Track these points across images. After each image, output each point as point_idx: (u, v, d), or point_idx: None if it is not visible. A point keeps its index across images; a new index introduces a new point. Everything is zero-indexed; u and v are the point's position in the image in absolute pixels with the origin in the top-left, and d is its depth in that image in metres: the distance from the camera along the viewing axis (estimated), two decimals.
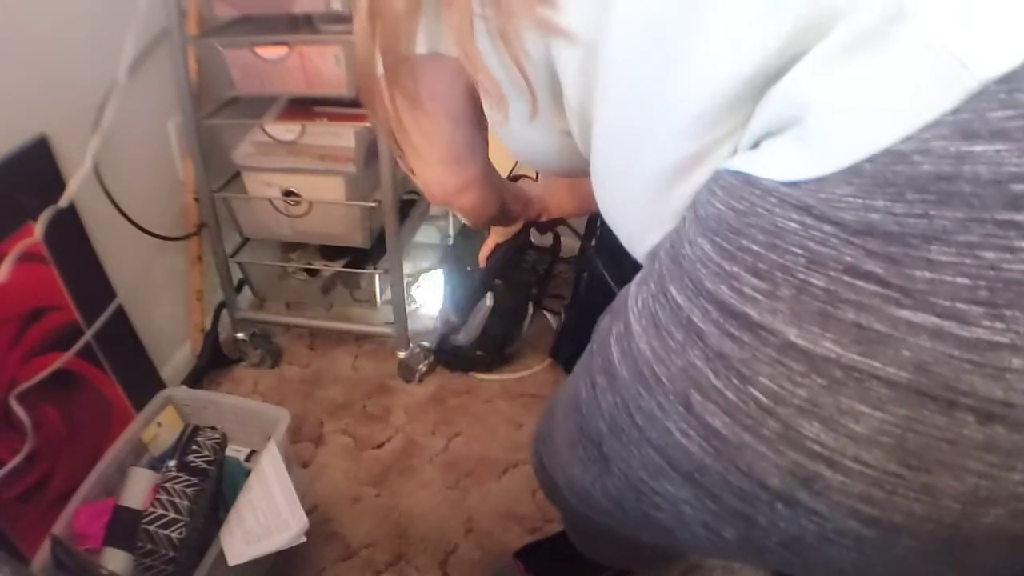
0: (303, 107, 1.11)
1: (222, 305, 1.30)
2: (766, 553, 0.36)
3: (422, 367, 1.29)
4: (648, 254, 0.42)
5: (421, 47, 0.41)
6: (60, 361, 0.90)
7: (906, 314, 0.26)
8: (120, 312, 1.04)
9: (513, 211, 0.79)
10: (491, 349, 1.27)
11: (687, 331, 0.33)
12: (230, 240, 1.23)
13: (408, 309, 1.25)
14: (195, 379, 1.24)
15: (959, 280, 0.25)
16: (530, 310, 1.24)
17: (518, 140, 0.49)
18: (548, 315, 1.43)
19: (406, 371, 1.28)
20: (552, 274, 1.26)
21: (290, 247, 1.35)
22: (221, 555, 0.77)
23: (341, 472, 1.12)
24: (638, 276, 0.42)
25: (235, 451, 0.98)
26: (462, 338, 1.24)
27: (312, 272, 1.30)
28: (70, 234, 0.93)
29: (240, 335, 1.30)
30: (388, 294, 1.24)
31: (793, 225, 0.29)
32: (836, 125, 0.28)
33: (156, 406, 0.96)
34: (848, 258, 0.27)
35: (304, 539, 0.77)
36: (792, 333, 0.29)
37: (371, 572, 0.96)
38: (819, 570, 0.36)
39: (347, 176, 1.09)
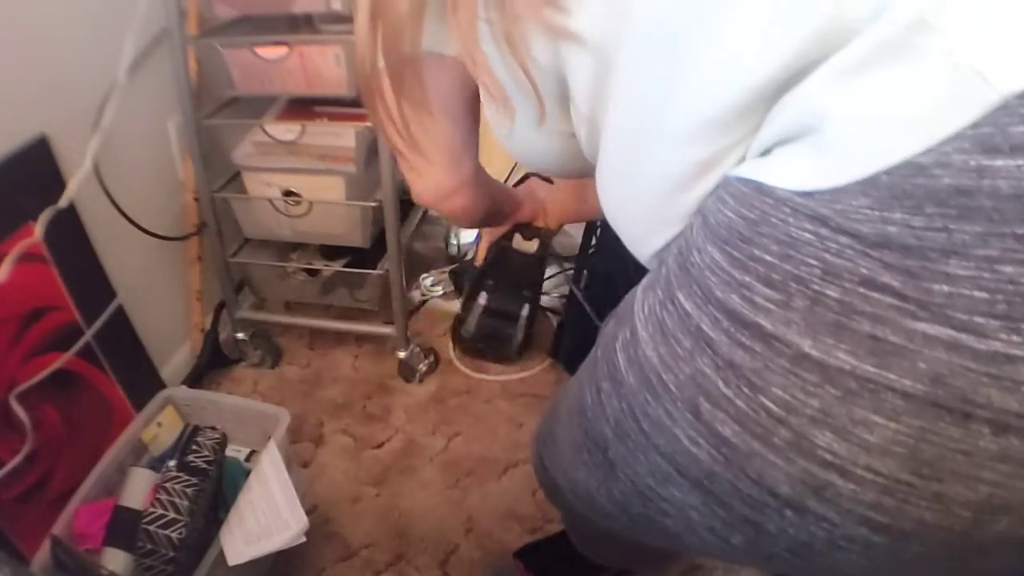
0: (303, 107, 1.11)
1: (222, 305, 1.30)
2: (774, 559, 0.36)
3: (422, 367, 1.29)
4: (653, 258, 0.42)
5: (422, 46, 0.41)
6: (60, 361, 0.90)
7: (922, 327, 0.26)
8: (120, 312, 1.04)
9: (503, 212, 0.78)
10: (491, 346, 1.28)
11: (696, 339, 0.33)
12: (230, 240, 1.23)
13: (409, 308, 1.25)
14: (195, 379, 1.24)
15: (977, 294, 0.25)
16: (523, 312, 1.24)
17: (519, 142, 0.49)
18: (550, 315, 1.43)
19: (406, 371, 1.28)
20: (542, 277, 1.25)
21: (290, 247, 1.35)
22: (221, 555, 0.77)
23: (341, 472, 1.12)
24: (644, 281, 0.42)
25: (235, 451, 0.98)
26: (465, 331, 1.27)
27: (312, 272, 1.29)
28: (70, 234, 0.93)
29: (240, 335, 1.30)
30: (388, 294, 1.24)
31: (808, 236, 0.29)
32: (854, 135, 0.28)
33: (156, 406, 0.96)
34: (864, 270, 0.27)
35: (304, 539, 0.77)
36: (806, 344, 0.29)
37: (371, 572, 0.96)
38: (825, 574, 0.36)
39: (347, 176, 1.09)
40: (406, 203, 1.30)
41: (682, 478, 0.36)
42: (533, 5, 0.35)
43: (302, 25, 1.01)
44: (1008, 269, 0.24)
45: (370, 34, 0.40)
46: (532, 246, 1.09)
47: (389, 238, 1.13)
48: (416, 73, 0.42)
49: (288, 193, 1.13)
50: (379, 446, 1.17)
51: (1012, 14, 0.24)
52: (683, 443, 0.35)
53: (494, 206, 0.68)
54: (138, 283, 1.09)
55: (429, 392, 1.27)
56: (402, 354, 1.26)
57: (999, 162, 0.24)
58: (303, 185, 1.12)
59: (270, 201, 1.15)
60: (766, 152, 0.32)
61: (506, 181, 1.40)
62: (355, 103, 1.05)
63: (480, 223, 0.70)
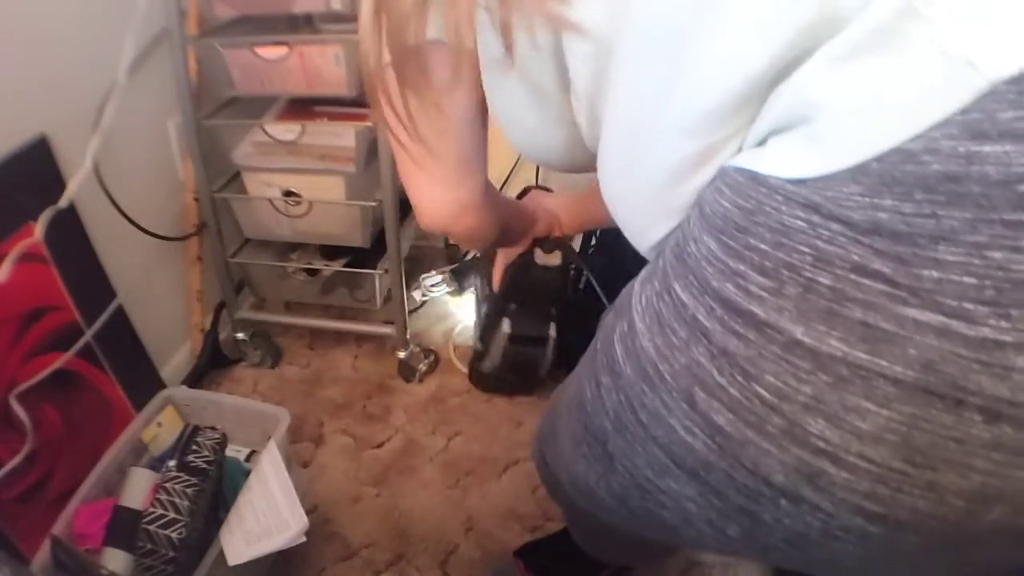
0: (303, 107, 1.11)
1: (222, 305, 1.30)
2: (770, 550, 0.36)
3: (422, 367, 1.29)
4: (653, 249, 0.42)
5: (427, 35, 0.41)
6: (60, 361, 0.90)
7: (913, 313, 0.26)
8: (120, 312, 1.04)
9: (515, 231, 0.77)
10: (521, 374, 1.20)
11: (691, 328, 0.33)
12: (230, 240, 1.23)
13: (408, 309, 1.25)
14: (195, 379, 1.24)
15: (966, 280, 0.25)
16: (551, 331, 1.13)
17: (522, 132, 0.49)
18: None
19: (406, 371, 1.28)
20: (568, 291, 1.12)
21: (290, 247, 1.35)
22: (221, 555, 0.77)
23: (341, 472, 1.12)
24: (642, 274, 0.42)
25: (235, 451, 0.98)
26: (487, 365, 1.18)
27: (312, 272, 1.29)
28: (70, 234, 0.93)
29: (240, 335, 1.30)
30: (388, 294, 1.24)
31: (800, 223, 0.29)
32: (844, 123, 0.28)
33: (156, 406, 0.96)
34: (855, 257, 0.27)
35: (304, 539, 0.77)
36: (798, 331, 0.29)
37: (371, 572, 0.96)
38: (823, 566, 0.36)
39: (347, 176, 1.09)
40: (406, 203, 1.29)
41: (679, 469, 0.36)
42: None
43: (302, 25, 1.01)
44: (997, 255, 0.24)
45: (374, 26, 0.40)
46: (556, 259, 1.05)
47: (389, 238, 1.13)
48: (421, 64, 0.42)
49: (288, 193, 1.13)
50: (379, 446, 1.17)
51: (1000, 0, 0.25)
52: (679, 433, 0.35)
53: (506, 225, 0.67)
54: (138, 283, 1.09)
55: (429, 392, 1.27)
56: (402, 354, 1.26)
57: (987, 148, 0.24)
58: (303, 185, 1.12)
59: (270, 201, 1.15)
60: (762, 142, 0.33)
61: (506, 181, 1.41)
62: (355, 103, 1.05)
63: (494, 244, 0.69)
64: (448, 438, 1.18)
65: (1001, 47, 0.24)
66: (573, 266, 1.13)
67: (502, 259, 0.92)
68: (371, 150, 1.08)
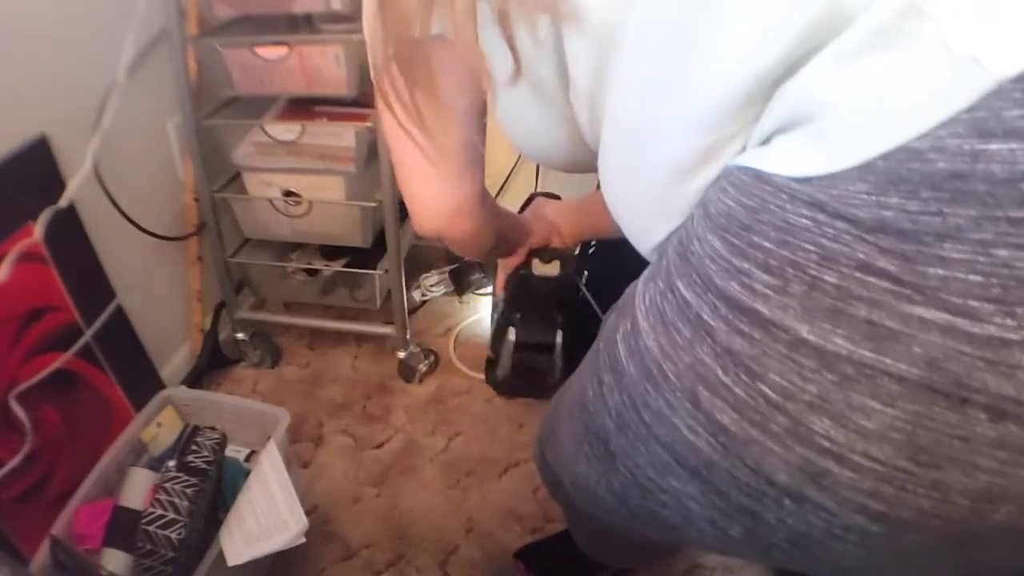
0: (303, 107, 1.11)
1: (222, 305, 1.30)
2: (772, 550, 0.36)
3: (422, 367, 1.29)
4: (655, 250, 0.42)
5: (431, 30, 0.41)
6: (60, 361, 0.90)
7: (918, 311, 0.26)
8: (120, 312, 1.04)
9: (510, 241, 0.77)
10: (532, 381, 1.18)
11: (695, 327, 0.33)
12: (230, 240, 1.23)
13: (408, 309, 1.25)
14: (195, 379, 1.24)
15: (972, 277, 0.25)
16: (558, 339, 1.12)
17: (523, 131, 0.48)
18: None
19: (406, 371, 1.28)
20: (572, 299, 1.11)
21: (290, 247, 1.35)
22: (221, 555, 0.77)
23: (341, 472, 1.12)
24: (645, 273, 0.42)
25: (235, 451, 0.98)
26: (500, 373, 1.17)
27: (312, 272, 1.29)
28: (70, 234, 0.93)
29: (240, 335, 1.30)
30: (388, 294, 1.24)
31: (805, 222, 0.29)
32: (850, 121, 0.28)
33: (156, 406, 0.96)
34: (861, 255, 0.27)
35: (304, 539, 0.77)
36: (803, 329, 0.29)
37: (371, 572, 0.96)
38: (824, 566, 0.36)
39: (347, 176, 1.09)
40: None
41: (681, 468, 0.36)
42: None
43: (302, 25, 1.01)
44: (1002, 253, 0.24)
45: (379, 19, 0.40)
46: (554, 269, 1.05)
47: (389, 238, 1.13)
48: (426, 59, 0.42)
49: (288, 193, 1.13)
50: (379, 446, 1.16)
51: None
52: (682, 432, 0.35)
53: (502, 234, 0.67)
54: (138, 283, 1.08)
55: (429, 392, 1.27)
56: (402, 354, 1.26)
57: (993, 146, 0.24)
58: (303, 185, 1.12)
59: (270, 201, 1.15)
60: (766, 141, 0.33)
61: (506, 181, 1.41)
62: (355, 103, 1.05)
63: (489, 252, 0.68)
64: (448, 438, 1.17)
65: (1006, 46, 0.24)
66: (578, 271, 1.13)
67: (502, 269, 0.92)
68: (371, 150, 1.08)
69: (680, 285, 0.35)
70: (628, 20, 0.34)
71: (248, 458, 1.00)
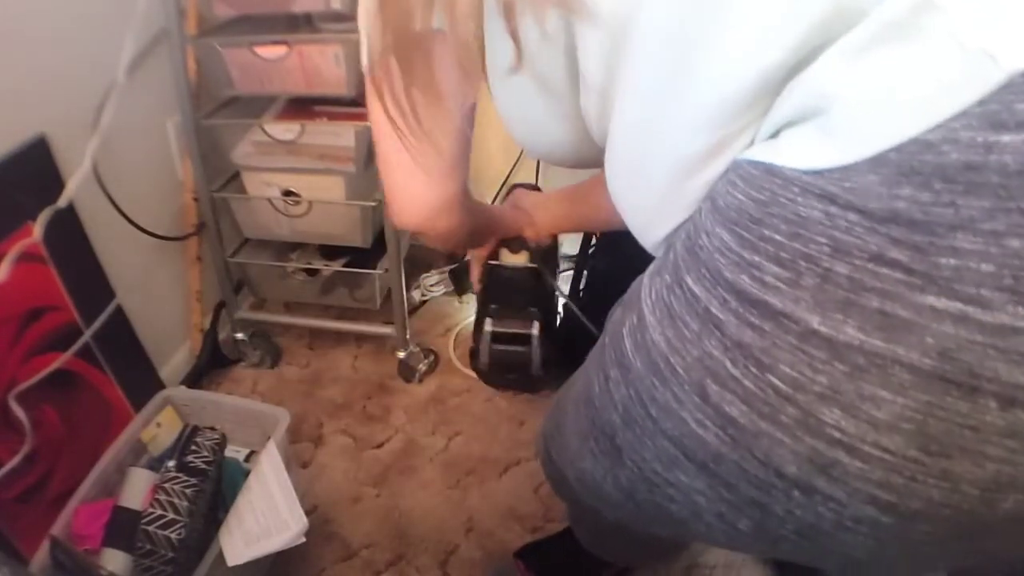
0: (302, 107, 1.11)
1: (221, 305, 1.30)
2: (781, 542, 0.36)
3: (422, 367, 1.29)
4: (661, 245, 0.42)
5: (432, 24, 0.40)
6: (59, 361, 0.90)
7: (930, 300, 0.26)
8: (119, 312, 1.03)
9: (484, 232, 0.77)
10: (512, 372, 1.21)
11: (704, 321, 0.33)
12: (229, 240, 1.23)
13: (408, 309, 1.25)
14: (194, 379, 1.24)
15: (984, 267, 0.25)
16: (534, 330, 1.13)
17: (527, 126, 0.48)
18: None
19: (406, 371, 1.28)
20: (546, 290, 1.11)
21: (289, 247, 1.35)
22: (220, 556, 0.77)
23: (341, 472, 1.12)
24: (650, 268, 0.42)
25: (234, 451, 0.98)
26: (481, 362, 1.20)
27: (312, 272, 1.29)
28: (69, 234, 0.93)
29: (239, 335, 1.30)
30: (388, 294, 1.24)
31: (817, 214, 0.29)
32: (862, 114, 0.28)
33: (155, 406, 0.96)
34: (873, 246, 0.27)
35: (304, 539, 0.77)
36: (815, 321, 0.29)
37: (371, 572, 0.96)
38: (833, 557, 0.36)
39: (347, 176, 1.09)
40: None
41: (689, 462, 0.36)
42: None
43: (301, 24, 1.01)
44: (1015, 243, 0.25)
45: (379, 12, 0.39)
46: (522, 259, 1.05)
47: (389, 238, 1.13)
48: (426, 53, 0.41)
49: (288, 193, 1.13)
50: (379, 446, 1.16)
51: None
52: (690, 426, 0.35)
53: (476, 227, 0.67)
54: (137, 283, 1.08)
55: (429, 392, 1.27)
56: (402, 354, 1.26)
57: (1006, 138, 0.24)
58: (303, 185, 1.12)
59: (269, 201, 1.15)
60: (775, 135, 0.33)
61: (505, 182, 1.41)
62: (355, 103, 1.05)
63: (463, 244, 0.69)
64: (448, 438, 1.17)
65: (1018, 40, 0.24)
66: (578, 264, 1.13)
67: (475, 262, 0.93)
68: (371, 150, 1.08)
69: (688, 279, 0.35)
70: (638, 15, 0.34)
71: (248, 458, 1.00)
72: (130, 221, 1.02)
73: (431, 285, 1.53)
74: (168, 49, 1.00)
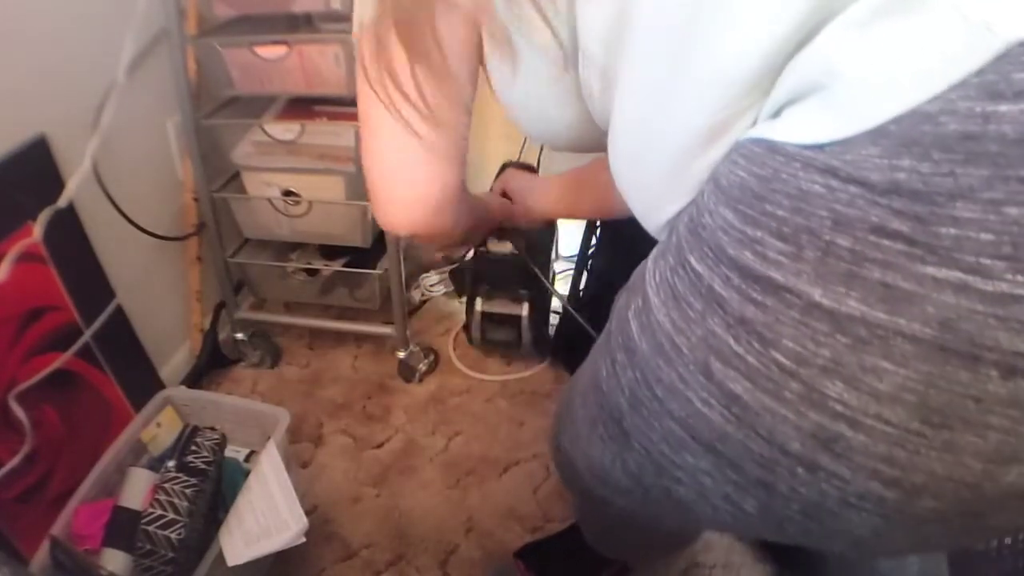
0: (302, 107, 1.11)
1: (221, 305, 1.30)
2: (786, 523, 0.36)
3: (422, 367, 1.29)
4: (664, 228, 0.42)
5: None
6: (59, 361, 0.90)
7: (931, 270, 0.26)
8: (119, 312, 1.03)
9: (481, 227, 0.77)
10: (505, 346, 1.27)
11: (707, 300, 0.34)
12: (229, 240, 1.23)
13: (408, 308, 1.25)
14: (194, 379, 1.24)
15: (983, 236, 0.25)
16: (523, 311, 1.18)
17: (529, 109, 0.48)
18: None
19: (406, 371, 1.28)
20: (533, 274, 1.12)
21: (289, 247, 1.35)
22: (220, 556, 0.77)
23: (341, 472, 1.12)
24: (654, 252, 0.42)
25: (234, 451, 0.98)
26: (473, 339, 1.25)
27: (312, 272, 1.29)
28: (69, 234, 0.93)
29: (239, 335, 1.30)
30: (388, 294, 1.24)
31: (818, 188, 0.29)
32: (861, 87, 0.28)
33: (155, 406, 0.96)
34: (874, 218, 0.27)
35: (304, 539, 0.77)
36: (817, 293, 0.29)
37: (371, 572, 0.96)
38: (839, 538, 0.36)
39: (347, 176, 1.09)
40: None
41: (695, 442, 0.36)
42: None
43: (301, 24, 1.01)
44: (1013, 211, 0.25)
45: None
46: (506, 247, 1.06)
47: (389, 238, 1.13)
48: (430, 23, 0.40)
49: (287, 193, 1.13)
50: (379, 446, 1.16)
51: None
52: (696, 405, 0.35)
53: (473, 223, 0.65)
54: (137, 283, 1.08)
55: (429, 392, 1.27)
56: (402, 354, 1.26)
57: (1003, 107, 0.25)
58: (302, 185, 1.12)
59: (269, 201, 1.15)
60: (776, 114, 0.33)
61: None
62: (355, 103, 1.05)
63: (458, 242, 0.67)
64: (448, 438, 1.17)
65: (1015, 10, 0.25)
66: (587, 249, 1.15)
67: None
68: None
69: (692, 259, 0.35)
70: None
71: (248, 458, 1.00)
72: (130, 221, 1.02)
73: (431, 285, 1.53)
74: (168, 49, 1.00)
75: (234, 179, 1.18)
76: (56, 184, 0.88)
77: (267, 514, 0.79)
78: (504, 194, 0.89)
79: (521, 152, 1.34)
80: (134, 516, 0.79)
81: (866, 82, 0.28)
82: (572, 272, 1.25)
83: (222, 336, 1.31)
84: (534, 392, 1.26)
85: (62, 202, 0.88)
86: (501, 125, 1.28)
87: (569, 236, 1.43)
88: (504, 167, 1.01)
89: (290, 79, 1.00)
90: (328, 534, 1.01)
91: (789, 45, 0.31)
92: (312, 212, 1.14)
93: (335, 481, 1.10)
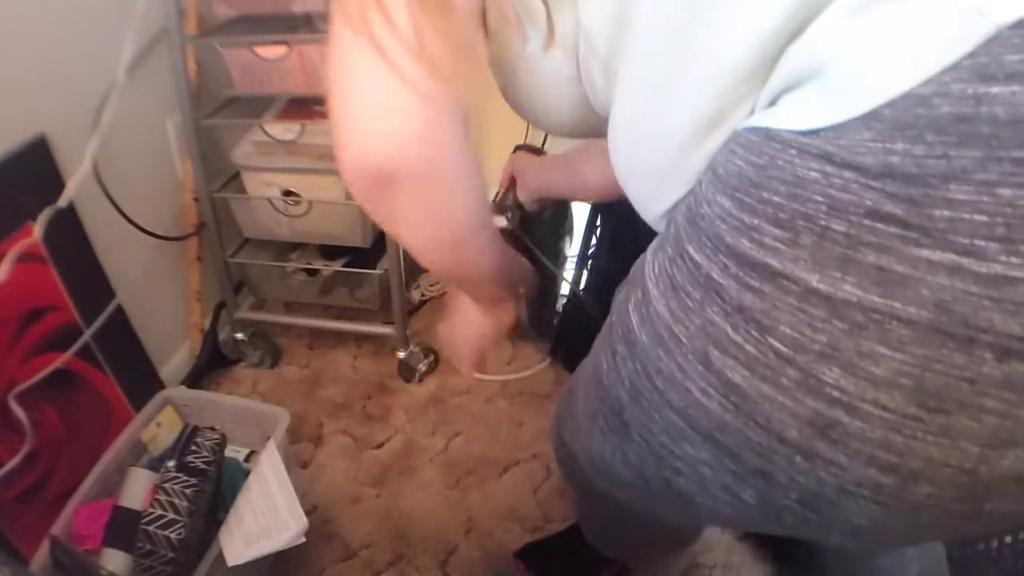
0: (303, 106, 1.11)
1: (221, 305, 1.30)
2: (784, 513, 0.36)
3: (422, 367, 1.29)
4: (662, 219, 0.43)
5: None
6: (59, 361, 0.90)
7: (925, 253, 0.27)
8: (119, 312, 1.04)
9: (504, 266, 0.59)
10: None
11: (705, 289, 0.34)
12: (229, 240, 1.23)
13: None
14: (194, 379, 1.24)
15: (977, 217, 0.25)
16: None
17: (532, 95, 0.48)
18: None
19: (406, 371, 1.28)
20: (528, 252, 1.04)
21: (289, 247, 1.35)
22: (220, 556, 0.77)
23: (341, 472, 1.12)
24: (652, 244, 0.42)
25: (234, 451, 0.98)
26: None
27: (312, 272, 1.29)
28: (69, 234, 0.93)
29: (239, 335, 1.30)
30: (388, 294, 1.24)
31: (814, 174, 0.29)
32: (855, 72, 0.29)
33: (155, 406, 0.96)
34: (869, 202, 0.28)
35: (304, 540, 0.77)
36: (813, 279, 0.29)
37: (371, 572, 0.96)
38: (838, 528, 0.36)
39: None
40: None
41: (695, 432, 0.37)
42: None
43: (301, 24, 1.01)
44: (1006, 192, 0.25)
45: None
46: (501, 222, 1.06)
47: (389, 238, 1.13)
48: None
49: (288, 193, 1.13)
50: (379, 446, 1.16)
51: None
52: (695, 395, 0.35)
53: (499, 255, 0.54)
54: (137, 283, 1.08)
55: (429, 392, 1.27)
56: (402, 354, 1.26)
57: (995, 89, 0.25)
58: (303, 185, 1.12)
59: (269, 201, 1.15)
60: (773, 103, 0.33)
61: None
62: None
63: (486, 277, 0.54)
64: (448, 438, 1.17)
65: None
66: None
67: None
68: None
69: (690, 249, 0.35)
70: None
71: (248, 458, 1.00)
72: (130, 221, 1.02)
73: (431, 285, 1.53)
74: (168, 49, 1.00)
75: (234, 179, 1.18)
76: (56, 184, 0.88)
77: (267, 514, 0.79)
78: (512, 177, 0.90)
79: (525, 136, 1.34)
80: (134, 516, 0.79)
81: (859, 67, 0.28)
82: (573, 272, 1.25)
83: (222, 336, 1.31)
84: (534, 392, 1.26)
85: (62, 202, 0.88)
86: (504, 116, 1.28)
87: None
88: (515, 150, 1.00)
89: (290, 79, 1.00)
90: (328, 534, 1.01)
91: (784, 34, 0.31)
92: (312, 212, 1.14)
93: (335, 481, 1.10)
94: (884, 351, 0.28)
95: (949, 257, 0.26)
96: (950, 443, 0.28)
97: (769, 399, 0.32)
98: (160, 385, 1.13)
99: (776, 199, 0.30)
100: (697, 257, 0.35)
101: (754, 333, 0.31)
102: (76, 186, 0.89)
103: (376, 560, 0.98)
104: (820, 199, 0.29)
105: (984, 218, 0.25)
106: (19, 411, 0.82)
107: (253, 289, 1.33)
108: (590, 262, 1.18)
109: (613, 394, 0.44)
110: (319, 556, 0.98)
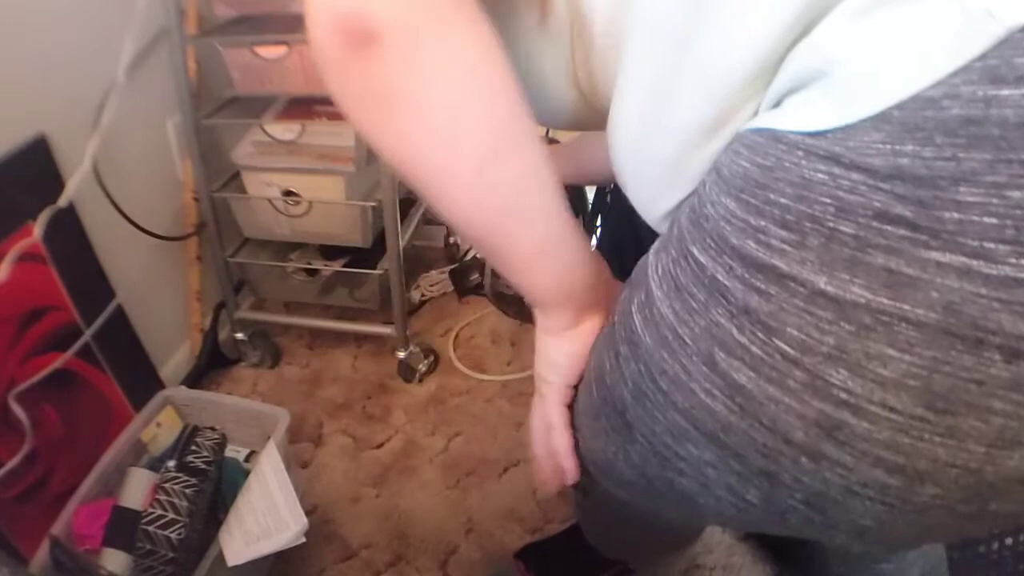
0: (303, 106, 1.11)
1: (221, 305, 1.30)
2: (789, 513, 0.36)
3: (422, 367, 1.29)
4: (664, 220, 0.42)
5: None
6: (59, 361, 0.89)
7: (935, 255, 0.26)
8: (119, 312, 1.04)
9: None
10: (518, 308, 1.24)
11: (710, 290, 0.34)
12: (229, 240, 1.23)
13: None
14: (194, 379, 1.24)
15: (986, 220, 0.25)
16: None
17: (527, 81, 0.48)
18: None
19: (406, 371, 1.28)
20: None
21: (289, 247, 1.35)
22: (220, 556, 0.77)
23: (341, 472, 1.12)
24: (655, 245, 0.42)
25: (234, 451, 0.98)
26: (487, 290, 1.25)
27: (312, 272, 1.29)
28: (69, 234, 0.93)
29: (239, 335, 1.30)
30: (388, 294, 1.24)
31: (821, 176, 0.29)
32: (864, 73, 0.28)
33: (155, 406, 0.96)
34: (877, 204, 0.28)
35: (303, 540, 0.77)
36: (821, 281, 0.29)
37: (371, 573, 0.96)
38: (842, 528, 0.36)
39: (347, 176, 1.09)
40: (406, 203, 1.30)
41: (699, 433, 0.36)
42: None
43: (301, 24, 1.00)
44: (1016, 194, 0.25)
45: None
46: None
47: (389, 238, 1.13)
48: None
49: (288, 193, 1.13)
50: (379, 446, 1.16)
51: None
52: (699, 396, 0.35)
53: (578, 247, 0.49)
54: (137, 283, 1.08)
55: (429, 392, 1.27)
56: (402, 354, 1.26)
57: (1005, 92, 0.25)
58: (303, 185, 1.12)
59: (269, 201, 1.15)
60: (777, 104, 0.33)
61: None
62: None
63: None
64: (448, 439, 1.17)
65: None
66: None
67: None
68: (371, 150, 1.08)
69: (694, 250, 0.35)
70: None
71: (248, 458, 1.00)
72: (130, 221, 1.02)
73: (431, 285, 1.53)
74: (168, 49, 1.00)
75: (234, 179, 1.18)
76: (56, 184, 0.88)
77: (267, 514, 0.79)
78: None
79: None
80: (134, 516, 0.79)
81: (868, 69, 0.28)
82: None
83: (222, 336, 1.31)
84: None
85: (62, 202, 0.88)
86: None
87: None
88: None
89: (290, 79, 1.00)
90: (328, 534, 1.01)
91: (790, 35, 0.31)
92: (312, 212, 1.14)
93: (335, 481, 1.10)
94: (892, 353, 0.28)
95: (959, 259, 0.26)
96: (957, 444, 0.28)
97: (775, 400, 0.32)
98: (160, 385, 1.13)
99: (783, 200, 0.30)
100: (702, 258, 0.35)
101: (760, 335, 0.31)
102: (76, 186, 0.89)
103: (376, 560, 0.98)
104: (828, 201, 0.29)
105: (993, 220, 0.25)
106: (19, 411, 0.82)
107: (253, 289, 1.33)
108: None
109: (616, 394, 0.44)
110: (319, 556, 0.98)
